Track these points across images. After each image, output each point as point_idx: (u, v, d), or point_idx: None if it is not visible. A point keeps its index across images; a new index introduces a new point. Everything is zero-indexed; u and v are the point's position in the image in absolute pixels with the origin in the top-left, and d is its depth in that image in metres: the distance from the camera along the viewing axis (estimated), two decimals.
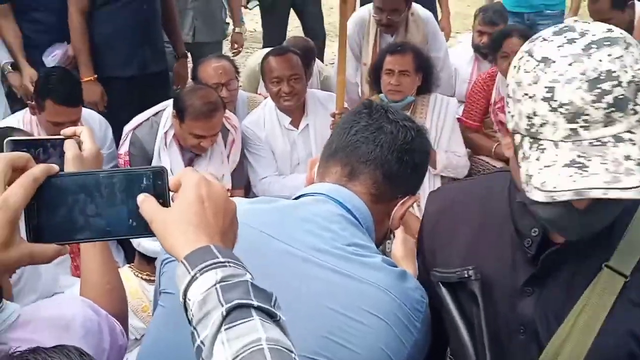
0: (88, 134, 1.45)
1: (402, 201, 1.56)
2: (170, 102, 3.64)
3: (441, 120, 4.12)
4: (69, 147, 1.35)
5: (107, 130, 3.79)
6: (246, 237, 1.17)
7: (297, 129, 3.96)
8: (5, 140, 1.27)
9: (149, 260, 2.78)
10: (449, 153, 4.11)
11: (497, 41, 4.38)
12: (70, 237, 1.09)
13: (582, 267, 1.32)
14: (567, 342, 1.29)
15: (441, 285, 1.43)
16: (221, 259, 1.00)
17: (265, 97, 4.15)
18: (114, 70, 4.13)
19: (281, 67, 3.86)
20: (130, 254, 3.21)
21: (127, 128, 3.70)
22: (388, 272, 1.39)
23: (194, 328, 0.97)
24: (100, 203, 1.08)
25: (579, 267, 1.32)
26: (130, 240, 2.69)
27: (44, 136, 2.84)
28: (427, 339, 1.42)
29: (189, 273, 0.99)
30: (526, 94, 1.18)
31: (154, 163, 3.60)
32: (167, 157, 3.62)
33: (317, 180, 1.57)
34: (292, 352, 0.94)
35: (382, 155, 1.51)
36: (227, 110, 3.72)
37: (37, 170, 1.05)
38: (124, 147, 3.66)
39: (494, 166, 4.28)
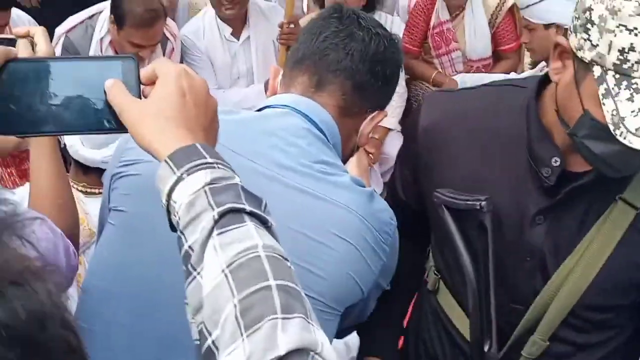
0: (42, 34, 1.34)
1: (371, 116, 1.46)
2: (108, 3, 3.44)
3: None
4: (22, 48, 1.22)
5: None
6: None
7: (238, 40, 3.84)
8: None
9: (85, 170, 2.65)
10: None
11: None
12: (33, 129, 1.02)
13: (597, 200, 1.34)
14: (573, 272, 1.32)
15: (444, 208, 1.41)
16: (209, 160, 0.93)
17: None
18: None
19: None
20: (67, 164, 3.08)
21: (59, 31, 3.49)
22: (357, 192, 1.32)
23: (181, 232, 0.91)
24: (65, 93, 1.00)
25: (594, 199, 1.34)
26: (67, 146, 2.55)
27: None
28: (393, 263, 1.39)
29: (175, 173, 0.91)
30: (623, 25, 1.09)
31: None
32: None
33: (282, 91, 1.47)
34: (287, 259, 0.89)
35: (352, 64, 1.40)
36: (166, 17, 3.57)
37: None
38: (57, 51, 3.46)
39: (432, 90, 4.31)
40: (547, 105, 1.33)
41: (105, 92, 0.99)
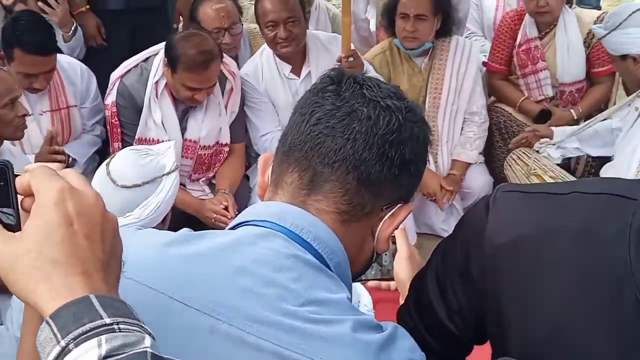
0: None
1: (390, 212, 1.11)
2: (162, 45, 3.27)
3: (463, 66, 3.78)
4: None
5: (91, 80, 3.44)
6: (144, 306, 0.83)
7: (299, 77, 3.58)
8: None
9: None
10: (471, 127, 3.82)
11: None
12: None
13: None
14: None
15: None
16: (106, 320, 0.70)
17: None
18: (100, 1, 3.73)
19: (276, 9, 3.43)
20: None
21: (114, 75, 3.35)
22: (360, 348, 0.95)
23: None
24: None
25: None
26: None
27: None
28: None
29: (58, 342, 0.69)
30: None
31: (144, 115, 3.30)
32: (158, 109, 3.30)
33: (269, 192, 1.14)
34: None
35: (355, 152, 1.06)
36: (224, 56, 3.37)
37: None
38: (111, 97, 3.33)
39: (516, 118, 3.96)
40: None
41: None
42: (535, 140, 3.67)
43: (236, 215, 1.14)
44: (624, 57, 3.29)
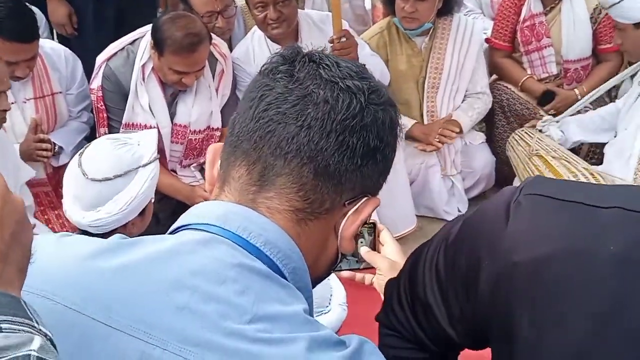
0: None
1: (354, 208, 0.98)
2: (149, 27, 3.14)
3: (465, 45, 3.68)
4: None
5: (76, 66, 3.32)
6: (63, 328, 0.76)
7: None
8: None
9: (86, 234, 2.34)
10: (472, 99, 3.70)
11: None
12: None
13: None
14: None
15: None
16: None
17: None
18: None
19: None
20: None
21: (100, 59, 3.23)
22: None
23: None
24: None
25: None
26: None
27: None
28: None
29: None
30: None
31: (130, 99, 3.19)
32: (146, 93, 3.19)
33: (216, 189, 1.00)
34: None
35: (310, 141, 0.93)
36: (214, 37, 3.25)
37: None
38: (97, 81, 3.21)
39: (519, 96, 3.83)
40: None
41: None
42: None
43: None
44: (638, 24, 3.15)
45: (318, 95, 0.94)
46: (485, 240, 1.00)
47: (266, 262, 0.92)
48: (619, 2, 3.13)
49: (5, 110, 2.62)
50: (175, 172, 3.33)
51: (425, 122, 3.75)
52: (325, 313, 1.94)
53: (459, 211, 3.79)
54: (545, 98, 3.76)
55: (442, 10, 3.58)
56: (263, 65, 1.01)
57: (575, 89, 3.76)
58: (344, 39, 3.24)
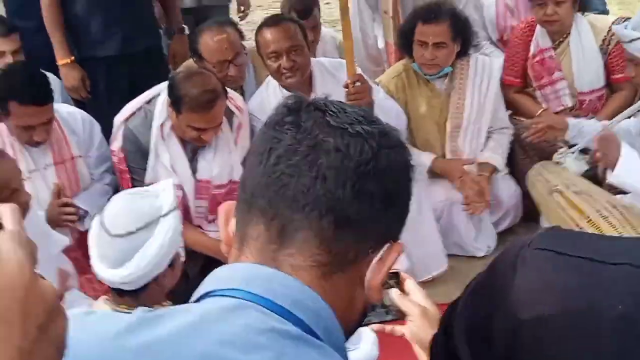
0: (10, 214, 0.98)
1: (379, 255, 0.95)
2: (164, 85, 3.17)
3: (484, 84, 3.70)
4: None
5: (94, 129, 3.32)
6: None
7: None
8: None
9: (120, 293, 2.34)
10: (497, 135, 3.73)
11: None
12: None
13: None
14: None
15: None
16: None
17: None
18: (90, 49, 3.64)
19: (277, 39, 3.33)
20: None
21: (118, 120, 3.25)
22: None
23: None
24: None
25: None
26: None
27: None
28: None
29: None
30: None
31: (151, 159, 3.20)
32: (166, 151, 3.20)
33: (235, 250, 0.96)
34: None
35: (327, 191, 0.90)
36: (229, 90, 3.26)
37: None
38: (117, 143, 3.23)
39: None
40: None
41: None
42: (552, 136, 3.50)
43: None
44: None
45: (329, 143, 0.91)
46: (496, 294, 0.96)
47: (296, 323, 0.88)
48: (638, 38, 3.13)
49: (28, 201, 2.54)
50: (201, 227, 3.32)
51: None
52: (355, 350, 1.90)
53: (488, 247, 3.74)
54: None
55: (459, 52, 3.60)
56: (268, 118, 0.97)
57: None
58: (358, 84, 3.26)
